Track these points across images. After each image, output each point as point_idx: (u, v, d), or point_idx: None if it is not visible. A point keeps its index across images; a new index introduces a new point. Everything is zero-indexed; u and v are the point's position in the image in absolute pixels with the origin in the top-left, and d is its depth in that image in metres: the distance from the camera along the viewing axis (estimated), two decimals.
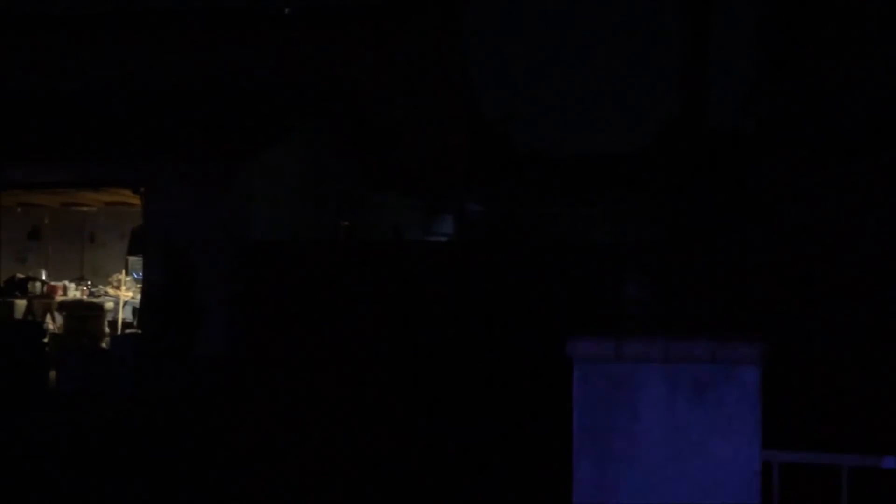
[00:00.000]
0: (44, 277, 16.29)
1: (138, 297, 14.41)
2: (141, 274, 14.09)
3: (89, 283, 16.50)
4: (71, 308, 14.99)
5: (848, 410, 4.29)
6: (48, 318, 15.09)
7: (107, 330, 14.72)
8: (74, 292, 16.00)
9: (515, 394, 9.16)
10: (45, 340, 13.54)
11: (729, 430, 3.26)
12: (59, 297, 15.67)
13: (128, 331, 14.44)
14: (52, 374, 12.56)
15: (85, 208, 16.51)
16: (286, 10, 18.00)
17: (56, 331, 14.69)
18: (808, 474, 3.40)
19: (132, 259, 15.19)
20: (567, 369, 3.34)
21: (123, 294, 15.39)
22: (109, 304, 15.26)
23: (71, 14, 18.73)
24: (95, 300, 15.50)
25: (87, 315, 14.76)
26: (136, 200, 13.61)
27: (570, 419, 3.32)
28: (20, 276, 16.24)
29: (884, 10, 9.75)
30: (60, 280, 16.34)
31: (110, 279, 16.32)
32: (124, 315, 15.05)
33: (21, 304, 15.34)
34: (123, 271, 15.85)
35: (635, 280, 4.79)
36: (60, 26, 18.53)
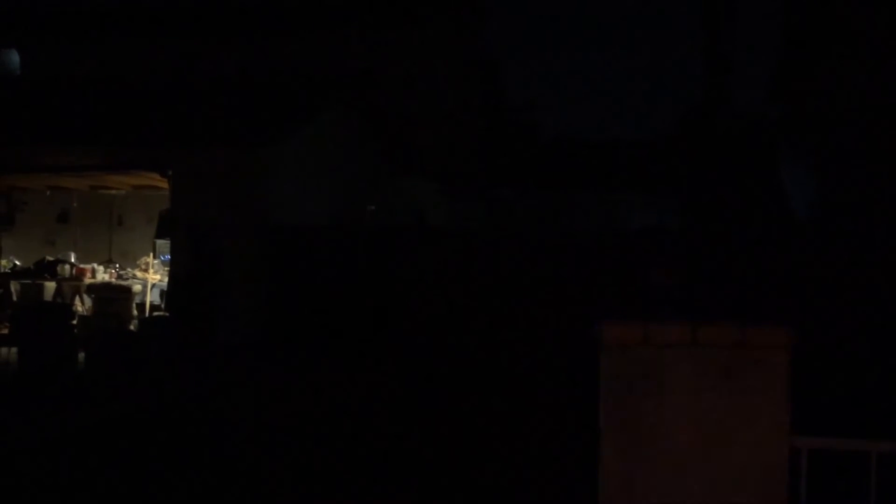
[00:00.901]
0: (72, 260, 16.38)
1: (166, 279, 14.50)
2: (168, 257, 14.17)
3: (117, 265, 16.59)
4: (99, 290, 15.07)
5: (872, 395, 4.25)
6: (77, 301, 15.20)
7: (135, 312, 14.80)
8: (103, 275, 16.08)
9: (538, 375, 9.19)
10: (74, 322, 13.63)
11: (757, 416, 3.23)
12: (87, 280, 15.76)
13: (155, 313, 14.53)
14: (81, 355, 12.65)
15: (113, 192, 16.58)
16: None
17: (84, 313, 14.79)
18: (838, 461, 3.36)
19: (160, 242, 15.26)
20: (594, 349, 3.32)
21: (151, 277, 15.47)
22: (137, 287, 15.33)
23: (108, 9, 18.85)
24: (123, 283, 15.58)
25: (115, 297, 14.84)
26: (164, 184, 13.66)
27: (597, 394, 3.30)
28: (49, 258, 16.35)
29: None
30: (89, 263, 16.43)
31: (138, 262, 16.40)
32: (152, 298, 15.14)
33: (50, 286, 15.46)
34: (151, 254, 15.93)
35: (661, 266, 4.76)
36: (100, 19, 18.64)
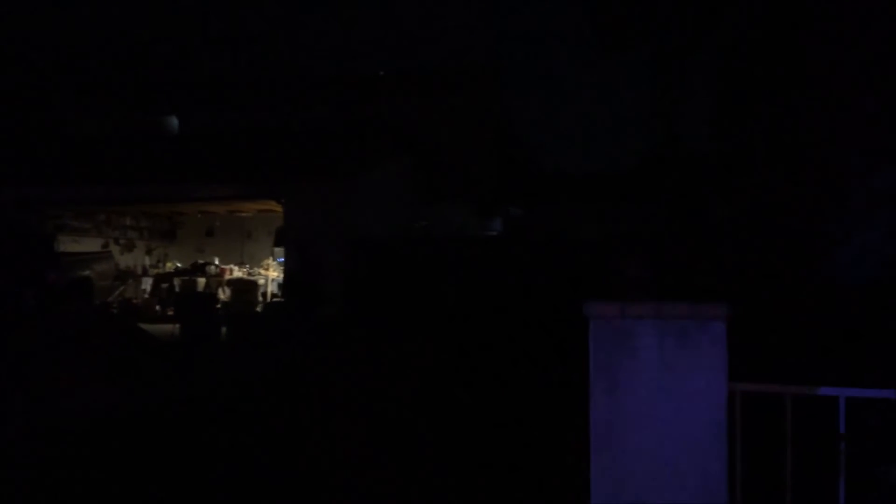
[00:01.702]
0: (216, 263, 16.58)
1: (281, 276, 14.62)
2: (282, 259, 14.32)
3: (247, 266, 16.76)
4: (235, 284, 15.25)
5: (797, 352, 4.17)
6: (219, 291, 15.42)
7: (259, 299, 14.95)
8: (237, 273, 16.27)
9: (542, 346, 9.12)
10: (218, 306, 13.81)
11: (704, 367, 3.19)
12: (227, 277, 15.94)
13: (273, 300, 14.66)
14: (223, 329, 12.82)
15: (244, 214, 16.78)
16: (381, 73, 18.08)
17: (225, 300, 14.99)
18: (764, 402, 3.30)
19: (276, 249, 15.41)
20: (584, 324, 3.30)
21: (270, 274, 15.61)
22: (261, 281, 15.49)
23: (238, 84, 19.07)
24: (251, 278, 15.74)
25: (245, 289, 15.01)
26: (279, 208, 13.80)
27: (587, 359, 3.28)
28: (200, 261, 16.57)
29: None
30: (228, 264, 16.62)
31: (262, 263, 16.56)
32: (271, 289, 15.27)
33: (201, 281, 15.67)
34: (270, 258, 16.07)
35: (635, 264, 4.71)
36: (231, 90, 18.86)
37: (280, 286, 14.59)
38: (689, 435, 3.19)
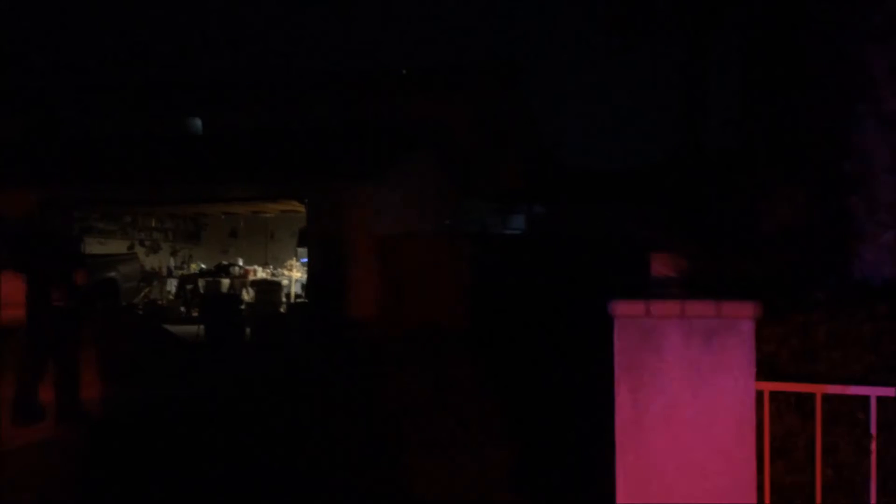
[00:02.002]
0: (240, 263, 16.72)
1: (304, 276, 14.70)
2: (306, 260, 14.39)
3: (271, 266, 16.89)
4: (258, 284, 15.37)
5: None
6: (243, 292, 15.54)
7: (283, 300, 15.05)
8: (261, 273, 16.38)
9: (567, 345, 9.07)
10: (242, 307, 13.93)
11: (731, 366, 3.17)
12: (250, 277, 16.07)
13: (297, 300, 14.76)
14: (248, 330, 12.92)
15: (267, 215, 16.89)
16: (403, 71, 18.11)
17: (249, 300, 15.11)
18: (793, 401, 3.26)
19: (300, 250, 15.48)
20: (609, 322, 3.29)
21: (294, 275, 15.70)
22: (285, 282, 15.59)
23: (261, 83, 19.23)
24: (275, 279, 15.85)
25: (269, 289, 15.12)
26: (302, 208, 13.88)
27: (612, 357, 3.27)
28: (224, 262, 16.72)
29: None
30: (251, 265, 16.76)
31: (285, 264, 16.67)
32: (295, 289, 15.36)
33: (225, 282, 15.81)
34: (294, 258, 16.17)
35: (661, 261, 4.65)
36: (256, 90, 19.01)
37: (304, 286, 14.67)
38: (717, 435, 3.17)
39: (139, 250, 17.09)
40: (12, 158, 16.19)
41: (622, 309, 3.26)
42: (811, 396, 3.20)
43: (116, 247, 16.41)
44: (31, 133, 17.96)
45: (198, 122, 18.06)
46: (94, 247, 15.33)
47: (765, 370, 3.26)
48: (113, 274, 15.09)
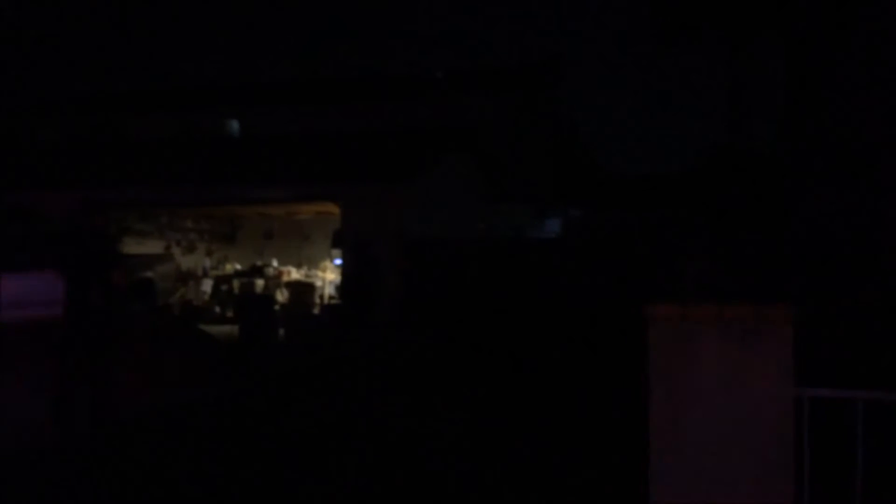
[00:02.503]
0: (275, 264, 16.91)
1: (338, 278, 14.82)
2: (340, 261, 14.50)
3: (305, 268, 17.04)
4: (293, 286, 15.53)
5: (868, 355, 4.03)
6: (277, 293, 15.72)
7: (317, 301, 15.19)
8: (295, 275, 16.54)
9: (603, 350, 9.02)
10: (276, 308, 14.08)
11: (769, 371, 3.12)
12: (284, 278, 16.24)
13: (331, 302, 14.88)
14: (281, 331, 13.05)
15: (302, 216, 17.06)
16: (438, 75, 18.17)
17: (283, 301, 15.27)
18: (834, 407, 3.21)
19: (334, 251, 15.61)
20: (643, 325, 3.28)
21: (328, 276, 15.84)
22: (318, 283, 15.73)
23: (297, 88, 19.45)
24: (309, 280, 15.99)
25: (303, 291, 15.26)
26: (337, 210, 14.01)
27: (645, 360, 3.25)
28: (259, 264, 16.93)
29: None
30: (286, 266, 16.93)
31: (319, 265, 16.81)
32: (328, 291, 15.49)
33: (260, 283, 16.01)
34: (328, 260, 16.29)
35: (697, 266, 4.63)
36: (289, 94, 19.25)
37: (337, 288, 14.78)
38: (754, 441, 3.13)
39: (175, 251, 17.38)
40: (55, 161, 16.63)
41: (657, 312, 3.24)
42: (852, 402, 3.14)
43: (153, 247, 16.72)
44: (74, 137, 18.41)
45: (235, 125, 18.34)
46: (131, 247, 15.65)
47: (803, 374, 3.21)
48: (150, 274, 15.37)
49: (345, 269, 13.47)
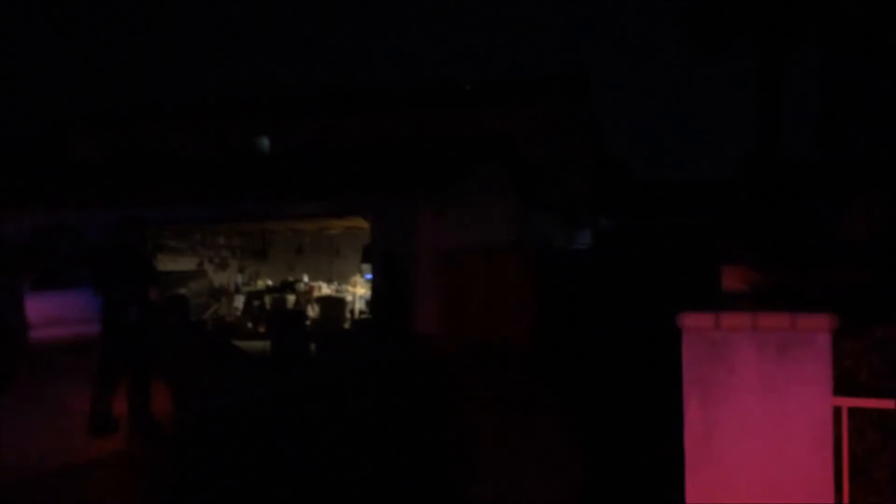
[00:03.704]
0: (306, 280, 17.04)
1: (369, 293, 14.88)
2: (370, 276, 14.57)
3: (336, 283, 17.15)
4: (323, 301, 15.62)
5: None
6: (308, 308, 15.82)
7: (347, 316, 15.26)
8: (326, 289, 16.65)
9: (638, 358, 8.96)
10: (307, 323, 14.18)
11: (806, 381, 3.10)
12: (315, 294, 16.34)
13: (361, 316, 14.94)
14: (312, 345, 13.13)
15: (332, 231, 17.18)
16: (467, 87, 18.27)
17: (314, 316, 15.37)
18: (874, 418, 3.16)
19: (364, 266, 15.69)
20: (677, 334, 3.27)
21: (358, 291, 15.91)
22: (349, 298, 15.80)
23: (329, 96, 19.68)
24: (339, 295, 16.08)
25: (334, 305, 15.34)
26: (366, 225, 14.09)
27: (678, 369, 3.24)
28: (290, 279, 17.09)
29: None
30: (317, 281, 17.06)
31: (349, 280, 16.90)
32: (359, 305, 15.56)
33: (291, 298, 16.13)
34: (358, 274, 16.38)
35: (731, 275, 4.58)
36: (320, 112, 19.47)
37: (368, 303, 14.85)
38: (792, 452, 3.10)
39: (208, 267, 17.63)
40: (89, 179, 17.01)
41: (690, 321, 3.24)
42: (893, 413, 3.10)
43: (187, 263, 16.99)
44: (107, 153, 18.82)
45: (265, 142, 18.60)
46: (165, 264, 15.91)
47: (844, 385, 3.17)
48: (183, 290, 15.62)
49: (375, 283, 13.53)
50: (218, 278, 17.77)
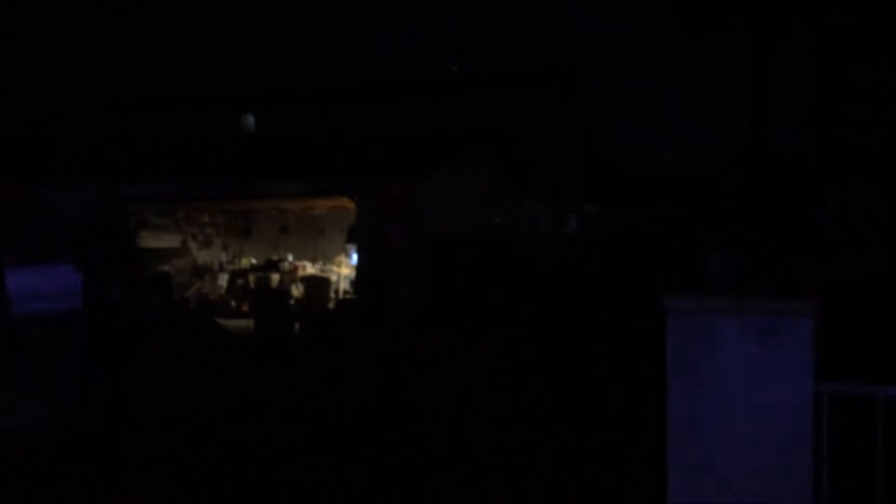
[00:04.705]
0: (290, 259, 16.98)
1: (353, 273, 14.87)
2: (355, 256, 14.54)
3: (320, 263, 17.11)
4: (308, 281, 15.58)
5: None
6: (293, 287, 15.78)
7: (332, 296, 15.24)
8: (310, 269, 16.60)
9: (622, 343, 9.01)
10: (291, 302, 14.15)
11: (789, 366, 3.12)
12: (300, 273, 16.30)
13: (346, 297, 14.93)
14: (296, 325, 13.11)
15: (317, 211, 17.11)
16: (454, 69, 18.18)
17: (298, 296, 15.34)
18: (854, 404, 3.19)
19: (349, 246, 15.66)
20: (662, 319, 3.28)
21: (343, 271, 15.89)
22: (334, 278, 15.78)
23: (316, 77, 19.50)
24: (324, 275, 16.05)
25: (318, 285, 15.31)
26: (352, 205, 14.05)
27: (662, 352, 3.26)
28: (274, 258, 17.02)
29: None
30: (301, 261, 17.00)
31: (334, 260, 16.86)
32: (343, 286, 15.55)
33: (275, 277, 16.08)
34: (343, 255, 16.35)
35: (715, 259, 4.60)
36: (304, 94, 19.31)
37: (352, 283, 14.84)
38: (773, 436, 3.13)
39: (192, 245, 17.52)
40: (74, 158, 16.81)
41: (675, 304, 3.25)
42: (872, 398, 3.13)
43: (170, 241, 16.86)
44: (92, 134, 18.59)
45: (251, 120, 18.44)
46: (149, 241, 15.79)
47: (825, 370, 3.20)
48: (166, 268, 15.51)
49: (360, 264, 13.52)
50: (201, 256, 17.66)
